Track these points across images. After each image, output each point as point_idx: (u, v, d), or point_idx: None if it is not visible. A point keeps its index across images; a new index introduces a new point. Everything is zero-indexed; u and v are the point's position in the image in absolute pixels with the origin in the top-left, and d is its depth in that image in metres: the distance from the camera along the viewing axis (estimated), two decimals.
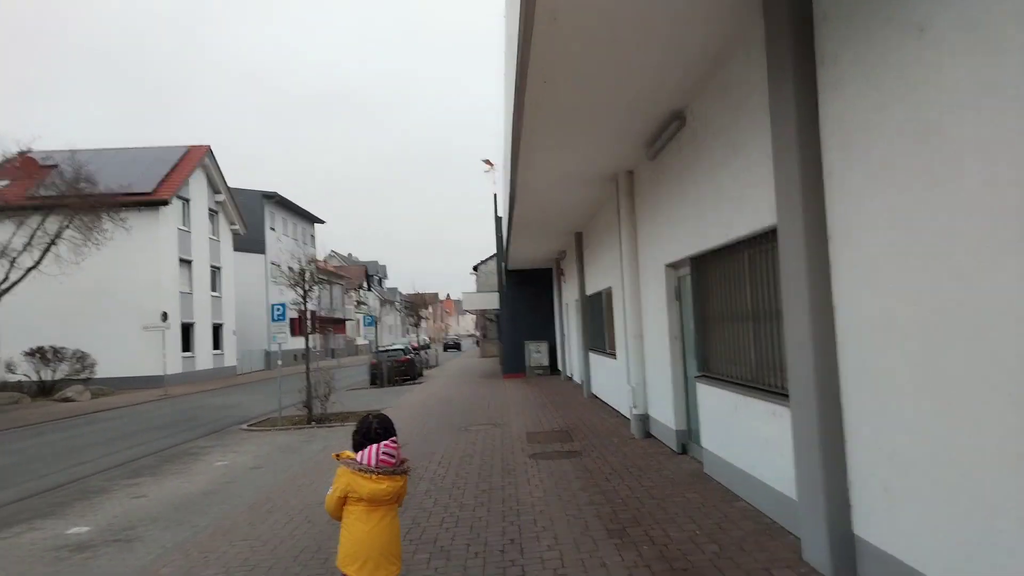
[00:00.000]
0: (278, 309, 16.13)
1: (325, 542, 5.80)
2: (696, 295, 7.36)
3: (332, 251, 78.28)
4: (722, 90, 6.11)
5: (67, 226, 25.75)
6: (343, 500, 3.42)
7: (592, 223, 14.57)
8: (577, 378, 19.50)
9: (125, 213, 27.84)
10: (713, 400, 6.83)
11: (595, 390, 15.74)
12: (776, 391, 5.32)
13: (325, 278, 19.20)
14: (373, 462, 3.40)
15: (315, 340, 54.06)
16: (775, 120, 4.69)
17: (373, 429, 3.51)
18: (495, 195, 27.22)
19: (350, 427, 13.90)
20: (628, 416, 11.38)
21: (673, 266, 8.46)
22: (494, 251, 30.58)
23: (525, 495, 7.05)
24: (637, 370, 10.01)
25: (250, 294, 40.64)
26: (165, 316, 27.29)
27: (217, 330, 36.93)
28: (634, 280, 10.03)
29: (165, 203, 31.38)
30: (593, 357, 15.65)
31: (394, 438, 3.53)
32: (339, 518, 3.50)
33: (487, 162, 27.84)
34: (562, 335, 23.14)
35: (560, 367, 23.77)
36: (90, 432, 16.03)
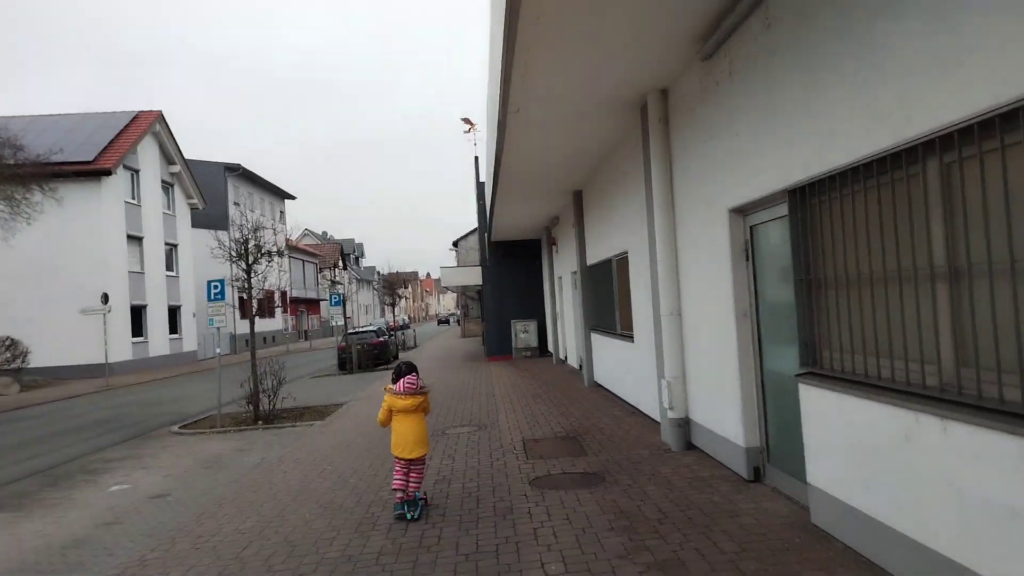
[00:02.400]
0: (215, 286, 13.30)
1: None
2: (800, 246, 4.69)
3: (306, 229, 74.83)
4: None
5: None
6: (389, 412, 5.84)
7: (597, 176, 11.88)
8: (573, 362, 16.93)
9: (60, 183, 24.67)
10: (844, 416, 4.21)
11: (599, 379, 13.16)
12: None
13: (278, 251, 16.43)
14: (402, 389, 5.83)
15: (287, 321, 51.13)
16: None
17: (402, 370, 5.96)
18: (476, 158, 24.39)
19: (302, 427, 11.17)
20: (654, 417, 8.83)
21: (741, 211, 5.81)
22: (475, 225, 27.81)
23: (534, 570, 4.44)
24: (673, 359, 7.39)
25: (214, 274, 37.34)
26: (106, 298, 24.24)
27: (174, 313, 33.79)
28: (668, 238, 7.37)
29: (108, 173, 28.06)
30: (597, 339, 13.04)
31: (414, 373, 5.95)
32: (386, 425, 5.91)
33: (467, 120, 24.93)
34: (553, 313, 20.50)
35: (551, 348, 21.18)
36: None
